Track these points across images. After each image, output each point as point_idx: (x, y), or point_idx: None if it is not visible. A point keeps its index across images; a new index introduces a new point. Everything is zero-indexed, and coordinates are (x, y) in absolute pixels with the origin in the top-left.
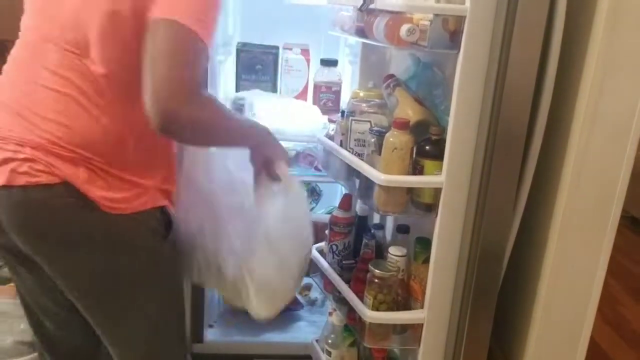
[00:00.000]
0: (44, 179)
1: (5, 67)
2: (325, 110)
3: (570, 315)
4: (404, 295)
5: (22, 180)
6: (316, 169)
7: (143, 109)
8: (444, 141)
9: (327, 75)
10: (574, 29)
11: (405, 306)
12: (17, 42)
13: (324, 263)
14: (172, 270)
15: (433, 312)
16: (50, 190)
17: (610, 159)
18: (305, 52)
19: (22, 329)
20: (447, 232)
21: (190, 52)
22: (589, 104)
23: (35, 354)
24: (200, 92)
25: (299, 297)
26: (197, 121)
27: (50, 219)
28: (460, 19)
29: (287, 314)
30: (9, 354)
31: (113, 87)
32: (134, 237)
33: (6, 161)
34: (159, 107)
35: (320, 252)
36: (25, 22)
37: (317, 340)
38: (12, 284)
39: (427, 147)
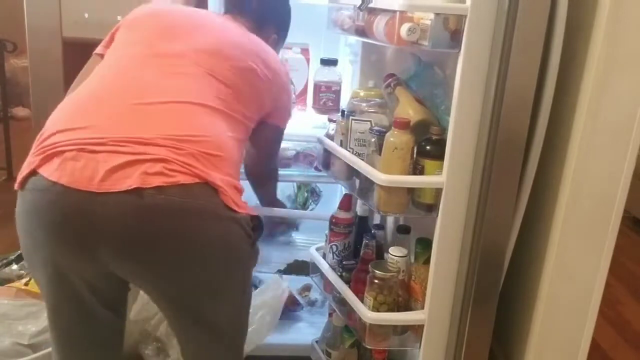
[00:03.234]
0: (180, 178)
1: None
2: (325, 110)
3: (571, 315)
4: (404, 296)
5: (157, 181)
6: (316, 169)
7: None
8: (445, 141)
9: (327, 74)
10: (576, 27)
11: (406, 307)
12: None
13: (323, 264)
14: (250, 273)
15: (434, 313)
16: (188, 190)
17: (612, 158)
18: (305, 51)
19: (20, 330)
20: (447, 233)
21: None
22: (591, 103)
23: (34, 355)
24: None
25: (298, 298)
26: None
27: (193, 220)
28: (461, 18)
29: (287, 315)
30: (8, 355)
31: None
32: (243, 239)
33: (132, 163)
34: (261, 167)
35: (320, 252)
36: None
37: (317, 342)
38: (10, 285)
39: (428, 147)
